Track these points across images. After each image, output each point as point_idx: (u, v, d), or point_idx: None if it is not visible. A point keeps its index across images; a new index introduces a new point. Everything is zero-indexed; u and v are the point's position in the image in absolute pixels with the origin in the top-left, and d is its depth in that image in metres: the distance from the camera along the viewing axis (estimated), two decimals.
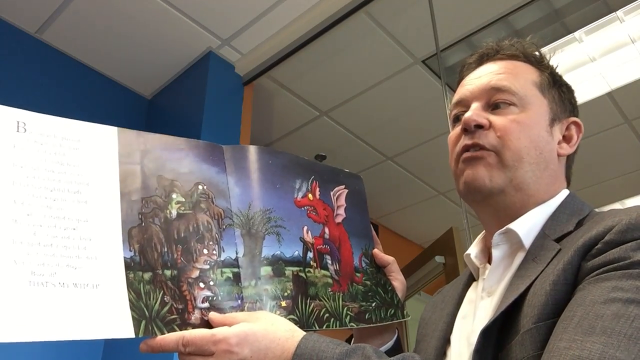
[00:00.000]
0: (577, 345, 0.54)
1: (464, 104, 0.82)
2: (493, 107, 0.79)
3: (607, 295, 0.57)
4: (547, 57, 0.86)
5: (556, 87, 0.83)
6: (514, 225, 0.73)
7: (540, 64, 0.84)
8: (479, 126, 0.77)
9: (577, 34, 2.50)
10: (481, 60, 0.86)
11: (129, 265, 0.65)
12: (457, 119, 0.84)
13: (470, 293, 0.82)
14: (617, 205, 3.72)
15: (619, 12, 2.39)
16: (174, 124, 2.65)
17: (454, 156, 0.81)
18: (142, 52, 2.60)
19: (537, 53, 0.85)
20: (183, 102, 2.66)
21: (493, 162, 0.75)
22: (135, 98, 2.84)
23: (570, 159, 0.83)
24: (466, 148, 0.78)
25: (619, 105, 2.90)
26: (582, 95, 2.76)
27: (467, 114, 0.78)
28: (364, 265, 0.89)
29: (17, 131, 0.65)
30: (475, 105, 0.79)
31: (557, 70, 0.86)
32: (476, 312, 0.74)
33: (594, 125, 3.01)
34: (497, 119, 0.77)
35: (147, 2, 2.32)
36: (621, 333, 0.53)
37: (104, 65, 2.68)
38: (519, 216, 0.74)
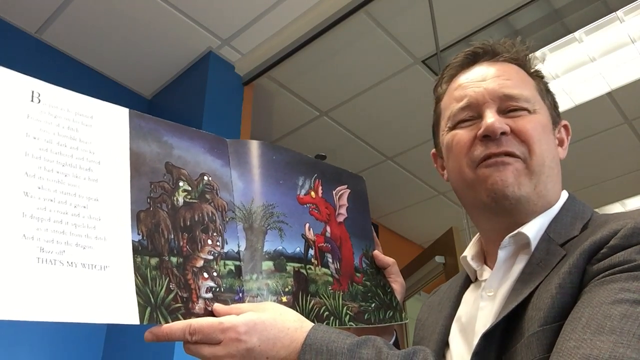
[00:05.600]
0: (586, 345, 0.54)
1: (473, 108, 0.78)
2: (506, 112, 0.77)
3: (614, 296, 0.57)
4: (535, 63, 0.84)
5: (549, 92, 0.83)
6: (525, 229, 0.72)
7: (533, 69, 0.83)
8: (502, 133, 0.74)
9: (577, 34, 2.50)
10: (474, 60, 0.84)
11: (136, 249, 0.64)
12: (462, 121, 0.80)
13: (468, 295, 0.82)
14: (617, 205, 3.73)
15: (619, 12, 2.39)
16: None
17: (470, 163, 0.77)
18: (142, 52, 2.60)
19: (529, 59, 0.83)
20: (183, 102, 2.66)
21: (520, 168, 0.73)
22: (135, 98, 2.84)
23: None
24: (492, 156, 0.74)
25: (619, 105, 2.90)
26: (582, 95, 2.77)
27: (490, 120, 0.74)
28: (364, 265, 0.89)
29: (32, 101, 0.63)
30: (491, 112, 0.76)
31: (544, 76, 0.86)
32: (478, 314, 0.73)
33: (594, 125, 3.01)
34: (516, 123, 0.75)
35: (147, 2, 2.32)
36: (630, 332, 0.53)
37: (104, 65, 2.68)
38: (528, 220, 0.73)
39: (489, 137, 0.75)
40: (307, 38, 2.46)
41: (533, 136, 0.74)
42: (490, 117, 0.75)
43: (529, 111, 0.77)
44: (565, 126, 0.83)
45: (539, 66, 0.86)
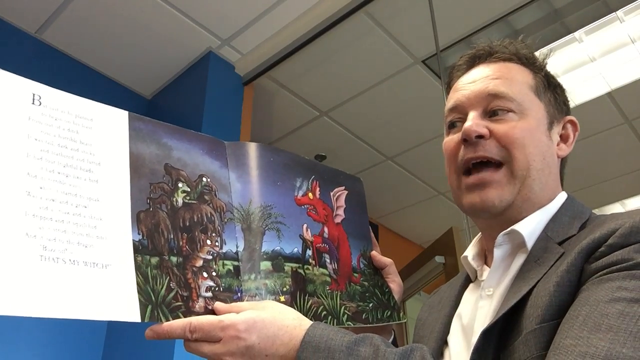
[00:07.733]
0: (583, 343, 0.54)
1: (460, 110, 0.80)
2: (490, 114, 0.77)
3: (611, 295, 0.57)
4: (541, 57, 0.84)
5: (551, 89, 0.82)
6: (518, 227, 0.73)
7: (533, 65, 0.82)
8: (480, 136, 0.75)
9: (577, 34, 2.50)
10: (473, 63, 0.84)
11: (137, 248, 0.65)
12: (452, 125, 0.82)
13: (468, 294, 0.82)
14: (617, 206, 3.72)
15: (619, 12, 2.39)
16: (174, 124, 2.65)
17: (454, 168, 0.79)
18: (142, 52, 2.60)
19: (530, 54, 0.82)
20: (183, 102, 2.67)
21: (502, 179, 0.74)
22: (135, 98, 2.84)
23: (564, 159, 0.82)
24: (470, 161, 0.76)
25: (619, 105, 2.90)
26: (582, 95, 2.77)
27: (467, 124, 0.76)
28: (362, 266, 0.89)
29: (33, 103, 0.64)
30: (473, 114, 0.77)
31: (550, 71, 0.84)
32: (477, 313, 0.73)
33: (594, 125, 3.01)
34: (497, 127, 0.75)
35: (147, 2, 2.32)
36: (627, 331, 0.53)
37: (104, 65, 2.68)
38: (522, 219, 0.74)
39: (467, 140, 0.76)
40: (307, 38, 2.46)
41: (515, 141, 0.74)
42: (469, 120, 0.77)
43: (515, 112, 0.76)
44: (571, 122, 0.82)
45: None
